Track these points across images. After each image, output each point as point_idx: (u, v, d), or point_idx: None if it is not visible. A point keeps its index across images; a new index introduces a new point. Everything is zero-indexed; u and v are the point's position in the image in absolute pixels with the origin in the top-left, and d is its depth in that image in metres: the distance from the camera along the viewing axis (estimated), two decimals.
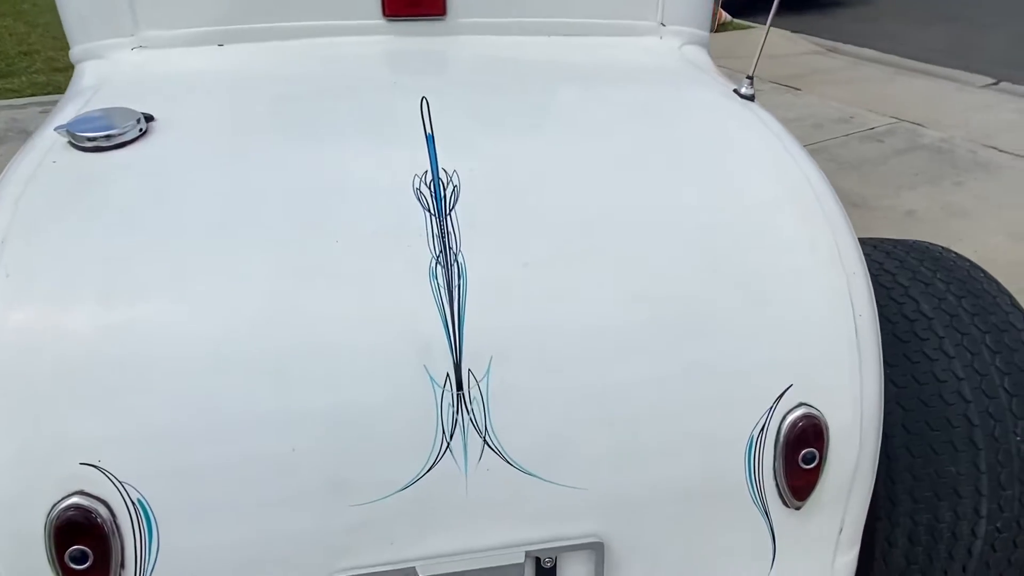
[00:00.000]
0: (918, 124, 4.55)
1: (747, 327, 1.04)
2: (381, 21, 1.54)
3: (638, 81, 1.49)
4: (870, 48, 5.97)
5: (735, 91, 1.40)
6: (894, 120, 4.64)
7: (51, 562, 0.89)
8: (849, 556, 1.14)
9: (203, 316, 0.96)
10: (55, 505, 0.88)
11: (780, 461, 1.03)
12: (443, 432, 0.96)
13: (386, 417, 0.95)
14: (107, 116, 1.16)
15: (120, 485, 0.90)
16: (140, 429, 0.91)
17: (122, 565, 0.91)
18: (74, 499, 0.88)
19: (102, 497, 0.89)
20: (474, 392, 0.96)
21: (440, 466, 0.96)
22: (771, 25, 1.40)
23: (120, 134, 1.13)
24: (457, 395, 0.96)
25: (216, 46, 1.51)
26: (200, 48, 1.50)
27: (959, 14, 6.89)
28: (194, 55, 1.48)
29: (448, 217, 1.05)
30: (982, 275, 1.36)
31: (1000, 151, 4.15)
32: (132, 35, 1.48)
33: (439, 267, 1.01)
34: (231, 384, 0.93)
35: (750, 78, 1.41)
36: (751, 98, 1.40)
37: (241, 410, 0.93)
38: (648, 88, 1.45)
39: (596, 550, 1.02)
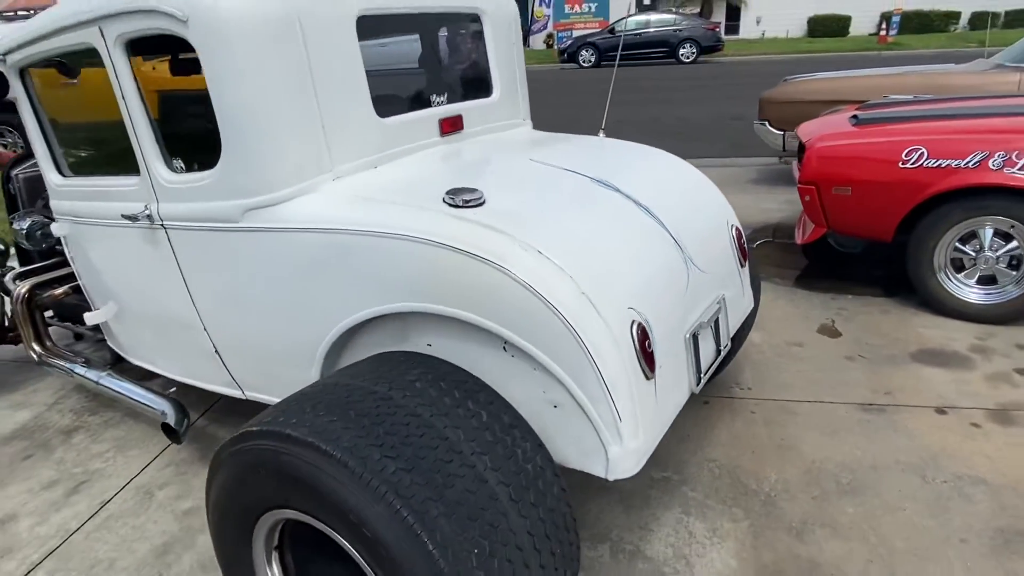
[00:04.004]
0: None
1: (706, 205, 2.65)
2: (439, 138, 2.60)
3: (558, 139, 2.94)
4: None
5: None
6: None
7: (636, 351, 1.88)
8: None
9: (616, 245, 2.06)
10: (631, 324, 1.89)
11: (735, 235, 2.67)
12: (685, 263, 2.28)
13: (673, 259, 2.22)
14: (459, 193, 2.03)
15: (639, 312, 1.96)
16: (633, 290, 1.97)
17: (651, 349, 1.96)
18: (634, 323, 1.91)
19: (638, 319, 1.94)
20: (682, 244, 2.31)
21: (690, 278, 2.28)
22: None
23: (482, 196, 2.04)
24: (679, 247, 2.29)
25: (373, 168, 2.32)
26: (368, 171, 2.29)
27: None
28: (372, 174, 2.27)
29: (619, 190, 2.35)
30: None
31: None
32: (331, 170, 2.19)
33: (639, 206, 2.31)
34: (645, 270, 2.07)
35: (603, 130, 3.02)
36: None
37: (651, 276, 2.08)
38: (571, 139, 2.91)
39: (722, 300, 2.47)
